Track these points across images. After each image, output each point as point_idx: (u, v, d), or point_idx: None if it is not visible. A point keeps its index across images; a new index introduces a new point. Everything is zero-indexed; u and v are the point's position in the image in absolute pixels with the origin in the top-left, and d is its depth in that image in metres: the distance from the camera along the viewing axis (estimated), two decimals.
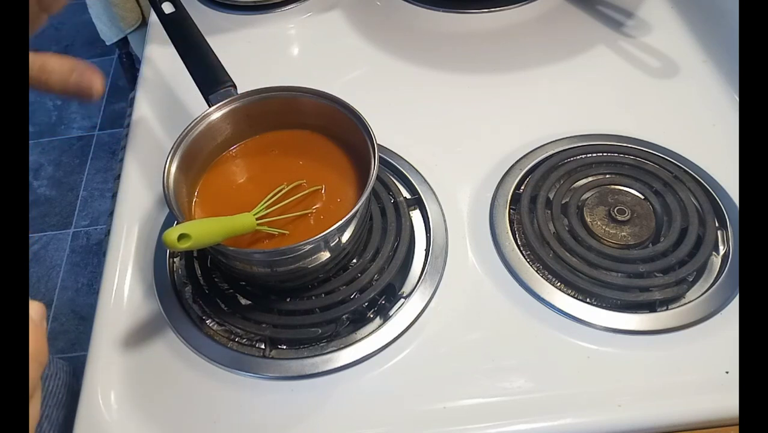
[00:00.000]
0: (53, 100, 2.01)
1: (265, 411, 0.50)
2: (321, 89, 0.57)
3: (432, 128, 0.69)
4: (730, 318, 0.52)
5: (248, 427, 0.49)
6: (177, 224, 0.46)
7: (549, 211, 0.60)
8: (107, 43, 1.26)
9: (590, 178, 0.62)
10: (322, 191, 0.55)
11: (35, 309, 0.29)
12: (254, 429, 0.49)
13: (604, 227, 0.58)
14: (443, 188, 0.63)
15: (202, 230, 0.44)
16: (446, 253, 0.58)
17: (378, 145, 0.52)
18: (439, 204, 0.61)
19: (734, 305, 0.53)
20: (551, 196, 0.61)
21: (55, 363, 0.68)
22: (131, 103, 0.76)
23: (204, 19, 0.82)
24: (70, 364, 0.70)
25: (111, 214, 0.65)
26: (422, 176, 0.63)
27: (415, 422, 0.49)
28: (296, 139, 0.59)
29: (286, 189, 0.54)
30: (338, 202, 0.54)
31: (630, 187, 0.61)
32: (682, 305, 0.53)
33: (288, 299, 0.55)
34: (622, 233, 0.57)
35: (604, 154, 0.64)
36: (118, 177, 0.67)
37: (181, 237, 0.42)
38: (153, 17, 0.86)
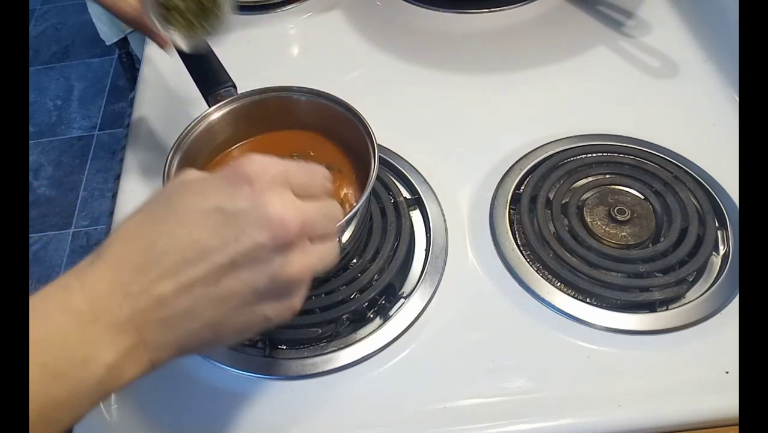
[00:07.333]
0: (53, 101, 2.01)
1: (265, 411, 0.50)
2: (321, 89, 0.57)
3: (432, 128, 0.69)
4: (730, 318, 0.52)
5: (248, 427, 0.49)
6: None
7: (549, 212, 0.60)
8: (107, 43, 1.26)
9: (590, 178, 0.62)
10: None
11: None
12: (254, 429, 0.49)
13: (604, 227, 0.58)
14: (443, 188, 0.63)
15: None
16: (446, 253, 0.58)
17: (378, 145, 0.52)
18: (439, 204, 0.61)
19: (734, 305, 0.53)
20: (551, 196, 0.61)
21: None
22: (131, 103, 0.76)
23: None
24: None
25: (111, 214, 0.65)
26: (422, 176, 0.63)
27: (415, 422, 0.49)
28: (296, 139, 0.59)
29: None
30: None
31: (630, 187, 0.61)
32: (682, 305, 0.53)
33: None
34: (622, 233, 0.57)
35: (604, 154, 0.64)
36: (118, 177, 0.67)
37: None
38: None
